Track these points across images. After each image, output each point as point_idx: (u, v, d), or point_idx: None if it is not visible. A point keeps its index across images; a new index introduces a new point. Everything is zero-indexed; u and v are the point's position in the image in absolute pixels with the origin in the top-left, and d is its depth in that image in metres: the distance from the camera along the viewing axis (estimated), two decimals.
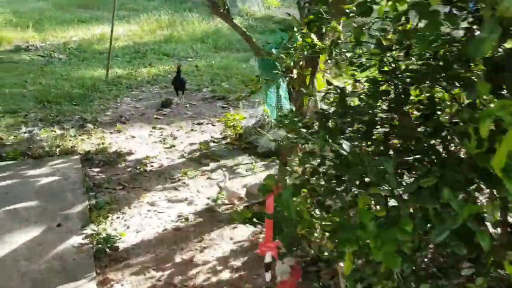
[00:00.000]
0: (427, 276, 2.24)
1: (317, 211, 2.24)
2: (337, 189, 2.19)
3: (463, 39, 2.17)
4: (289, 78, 4.17)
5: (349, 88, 3.16)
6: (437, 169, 1.83)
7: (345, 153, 2.14)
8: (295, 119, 3.00)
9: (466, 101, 2.31)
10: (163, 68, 9.70)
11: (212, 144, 6.13)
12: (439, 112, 2.44)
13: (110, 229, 3.97)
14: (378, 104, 2.74)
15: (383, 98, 2.73)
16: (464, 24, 2.12)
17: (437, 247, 2.06)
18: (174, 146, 6.05)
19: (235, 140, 6.25)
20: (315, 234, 2.80)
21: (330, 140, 2.26)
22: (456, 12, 2.06)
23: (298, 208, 1.89)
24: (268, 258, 2.79)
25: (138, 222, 4.16)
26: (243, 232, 4.02)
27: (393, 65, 2.71)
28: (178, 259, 3.64)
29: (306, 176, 2.18)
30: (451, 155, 2.18)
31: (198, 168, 5.40)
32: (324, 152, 2.41)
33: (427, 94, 2.49)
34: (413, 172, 2.22)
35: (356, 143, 2.51)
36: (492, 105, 1.84)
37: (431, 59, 2.38)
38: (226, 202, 4.56)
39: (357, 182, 2.20)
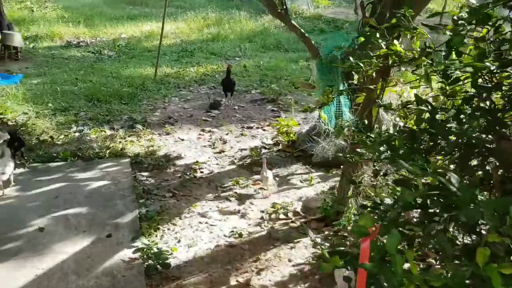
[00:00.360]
0: None
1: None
2: (438, 229, 1.83)
3: None
4: (365, 89, 3.80)
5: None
6: None
7: (453, 188, 1.78)
8: (372, 135, 2.66)
9: None
10: (211, 67, 9.51)
11: (263, 150, 5.85)
12: None
13: (161, 242, 3.75)
14: (474, 123, 2.35)
15: (480, 116, 2.34)
16: None
17: None
18: (223, 151, 5.81)
19: (287, 147, 5.93)
20: None
21: (430, 169, 1.91)
22: None
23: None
24: None
25: (189, 235, 3.93)
26: (302, 253, 3.71)
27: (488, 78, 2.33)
28: (233, 281, 3.36)
29: (402, 213, 1.84)
30: None
31: (250, 176, 5.12)
32: (419, 181, 2.07)
33: None
34: None
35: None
36: None
37: None
38: (266, 191, 4.66)
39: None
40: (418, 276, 1.43)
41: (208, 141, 6.12)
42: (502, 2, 2.05)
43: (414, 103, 2.63)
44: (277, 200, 4.61)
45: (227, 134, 6.35)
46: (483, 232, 1.84)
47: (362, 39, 4.39)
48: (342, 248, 3.40)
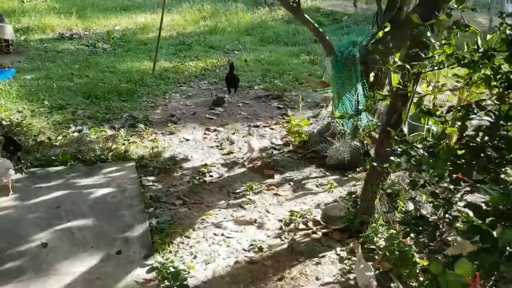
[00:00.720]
0: None
1: None
2: None
3: None
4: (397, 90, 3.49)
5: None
6: None
7: None
8: (414, 142, 2.37)
9: None
10: (211, 61, 9.16)
11: (273, 151, 5.55)
12: None
13: (176, 259, 3.45)
14: None
15: None
16: None
17: None
18: (232, 152, 5.50)
19: (298, 147, 5.64)
20: None
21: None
22: None
23: None
24: None
25: (205, 250, 3.63)
26: (329, 269, 3.44)
27: None
28: None
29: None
30: None
31: (263, 181, 4.83)
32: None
33: None
34: None
35: None
36: None
37: None
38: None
39: None
40: None
41: (215, 141, 5.81)
42: None
43: (458, 108, 2.36)
44: (294, 207, 4.34)
45: (233, 133, 6.04)
46: None
47: (381, 34, 4.04)
48: None
